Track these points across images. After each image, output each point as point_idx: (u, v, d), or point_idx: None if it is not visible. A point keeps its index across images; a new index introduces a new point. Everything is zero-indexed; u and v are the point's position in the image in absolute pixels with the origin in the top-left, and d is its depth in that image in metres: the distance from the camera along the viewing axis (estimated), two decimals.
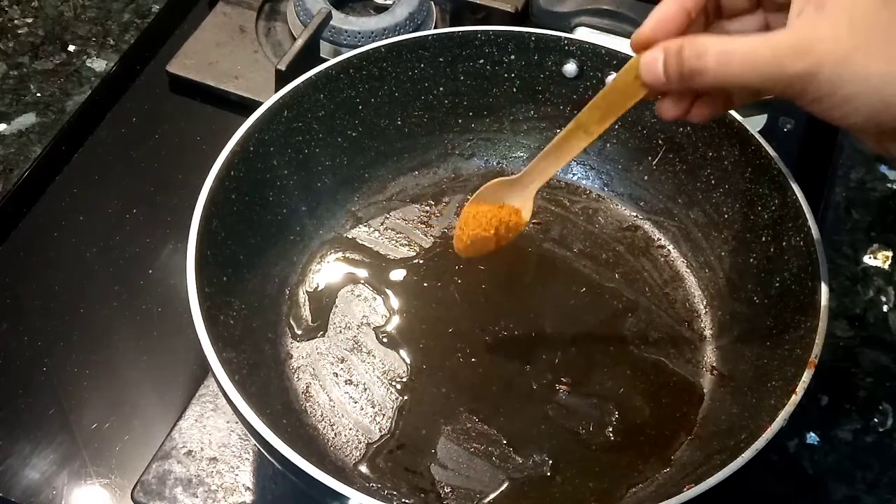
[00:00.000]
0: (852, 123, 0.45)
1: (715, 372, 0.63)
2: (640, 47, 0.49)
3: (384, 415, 0.60)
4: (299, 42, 0.75)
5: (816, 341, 0.54)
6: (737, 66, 0.45)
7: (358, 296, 0.66)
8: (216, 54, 0.81)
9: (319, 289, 0.66)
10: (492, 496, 0.57)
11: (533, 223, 0.70)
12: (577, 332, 0.65)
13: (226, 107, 0.79)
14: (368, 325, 0.64)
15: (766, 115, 0.79)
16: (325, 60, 0.66)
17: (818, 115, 0.45)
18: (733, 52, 0.45)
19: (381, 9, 0.84)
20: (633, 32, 0.50)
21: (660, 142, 0.69)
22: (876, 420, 0.65)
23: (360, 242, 0.69)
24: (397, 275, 0.67)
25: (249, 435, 0.53)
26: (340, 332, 0.64)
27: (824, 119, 0.45)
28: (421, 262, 0.68)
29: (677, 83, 0.47)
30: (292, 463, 0.48)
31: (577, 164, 0.72)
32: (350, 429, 0.60)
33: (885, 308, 0.70)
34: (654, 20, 0.49)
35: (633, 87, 0.51)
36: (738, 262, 0.65)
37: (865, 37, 0.43)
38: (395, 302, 0.66)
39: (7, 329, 0.67)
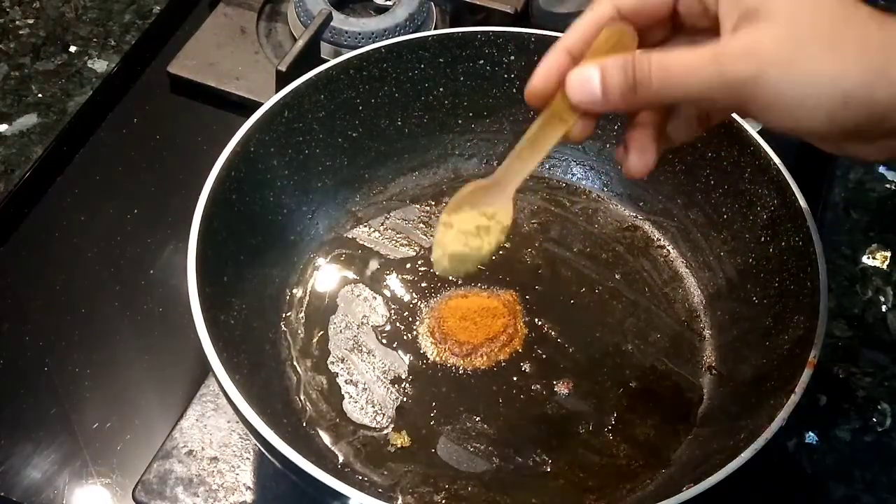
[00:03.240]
0: (809, 128, 0.43)
1: (714, 372, 0.63)
2: (538, 100, 0.47)
3: (384, 415, 0.61)
4: (300, 43, 0.76)
5: (815, 341, 0.54)
6: (677, 75, 0.43)
7: (358, 296, 0.66)
8: (217, 55, 0.81)
9: (320, 289, 0.66)
10: (492, 496, 0.58)
11: (533, 223, 0.70)
12: (576, 332, 0.65)
13: (226, 107, 0.79)
14: (368, 325, 0.65)
15: None
16: (325, 61, 0.66)
17: (774, 124, 0.43)
18: (672, 61, 0.43)
19: (382, 10, 0.84)
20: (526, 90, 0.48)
21: None
22: (875, 420, 0.65)
23: (360, 242, 0.69)
24: (397, 275, 0.67)
25: (250, 435, 0.53)
26: (340, 332, 0.64)
27: (782, 129, 0.43)
28: (421, 262, 0.68)
29: (619, 98, 0.44)
30: (292, 462, 0.48)
31: (577, 164, 0.72)
32: (350, 429, 0.60)
33: (883, 308, 0.70)
34: (544, 70, 0.47)
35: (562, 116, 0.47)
36: (738, 263, 0.65)
37: (808, 40, 0.41)
38: (395, 302, 0.66)
39: (8, 329, 0.67)
